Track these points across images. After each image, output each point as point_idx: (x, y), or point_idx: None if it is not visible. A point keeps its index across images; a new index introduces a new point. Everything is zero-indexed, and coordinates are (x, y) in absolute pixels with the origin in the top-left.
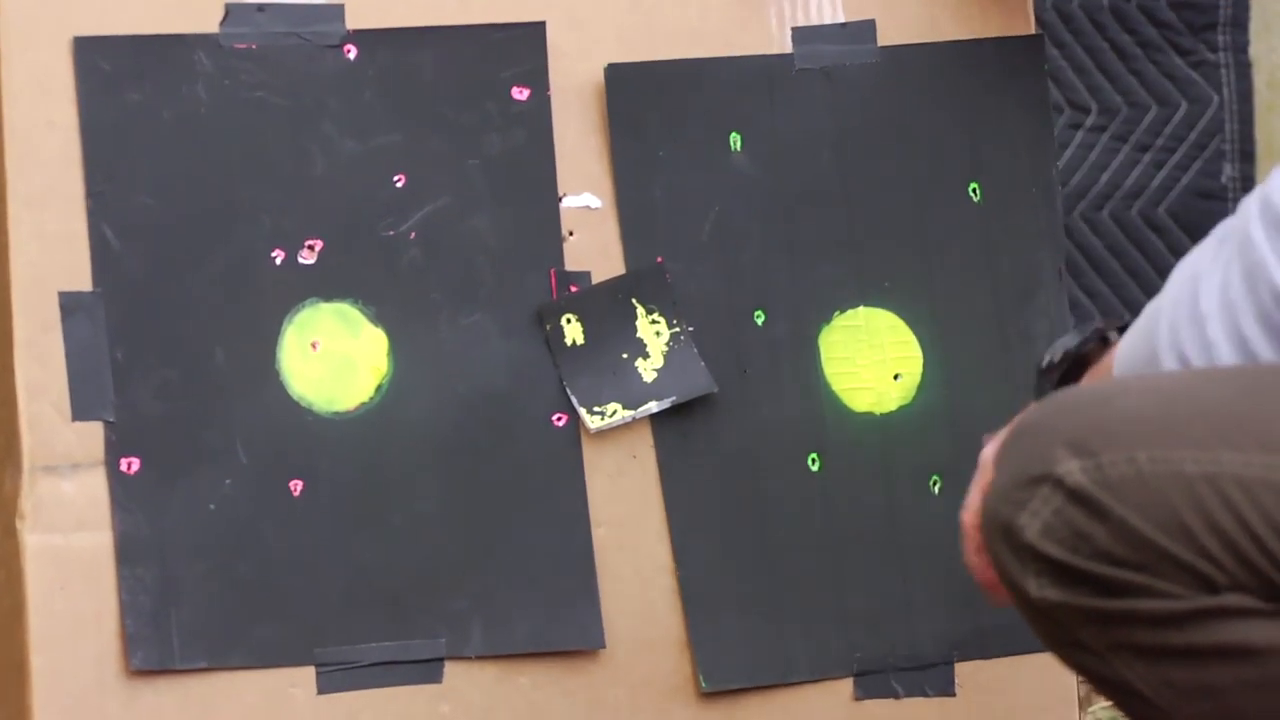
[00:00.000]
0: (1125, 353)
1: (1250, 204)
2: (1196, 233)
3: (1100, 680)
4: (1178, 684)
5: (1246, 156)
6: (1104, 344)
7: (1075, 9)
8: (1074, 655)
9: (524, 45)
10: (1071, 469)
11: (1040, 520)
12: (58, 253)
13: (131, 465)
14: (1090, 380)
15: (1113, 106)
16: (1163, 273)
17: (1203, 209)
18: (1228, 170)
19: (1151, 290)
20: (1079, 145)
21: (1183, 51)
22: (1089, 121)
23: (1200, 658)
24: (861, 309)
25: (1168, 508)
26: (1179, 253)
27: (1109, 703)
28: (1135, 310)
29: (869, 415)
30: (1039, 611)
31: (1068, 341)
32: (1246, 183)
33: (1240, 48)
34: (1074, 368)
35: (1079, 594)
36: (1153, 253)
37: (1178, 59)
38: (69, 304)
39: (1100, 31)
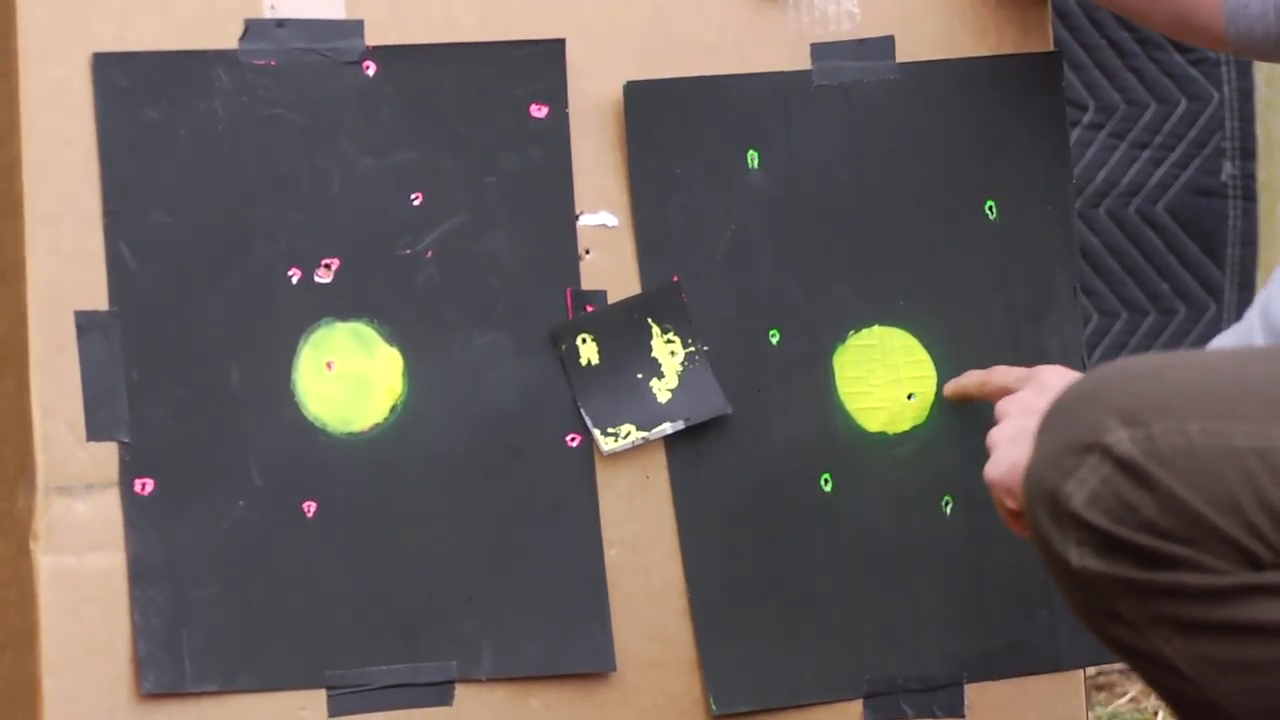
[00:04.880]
0: None
1: (1253, 316)
2: (1195, 230)
3: (1135, 654)
4: (1215, 659)
5: (1247, 154)
6: None
7: (1073, 6)
8: (1110, 628)
9: (543, 62)
10: (1121, 438)
11: (1087, 489)
12: (74, 271)
13: (145, 486)
14: None
15: (1110, 104)
16: (1161, 271)
17: (1202, 206)
18: (1228, 168)
19: (1150, 289)
20: (1076, 143)
21: (1183, 49)
22: (1086, 119)
23: (1240, 634)
24: (876, 328)
25: (1217, 481)
26: (1177, 251)
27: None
28: (1132, 309)
29: (882, 435)
30: (1078, 581)
31: None
32: (1247, 180)
33: None
34: None
35: (1121, 565)
36: (1151, 250)
37: (1178, 56)
38: (85, 323)
39: (1098, 29)
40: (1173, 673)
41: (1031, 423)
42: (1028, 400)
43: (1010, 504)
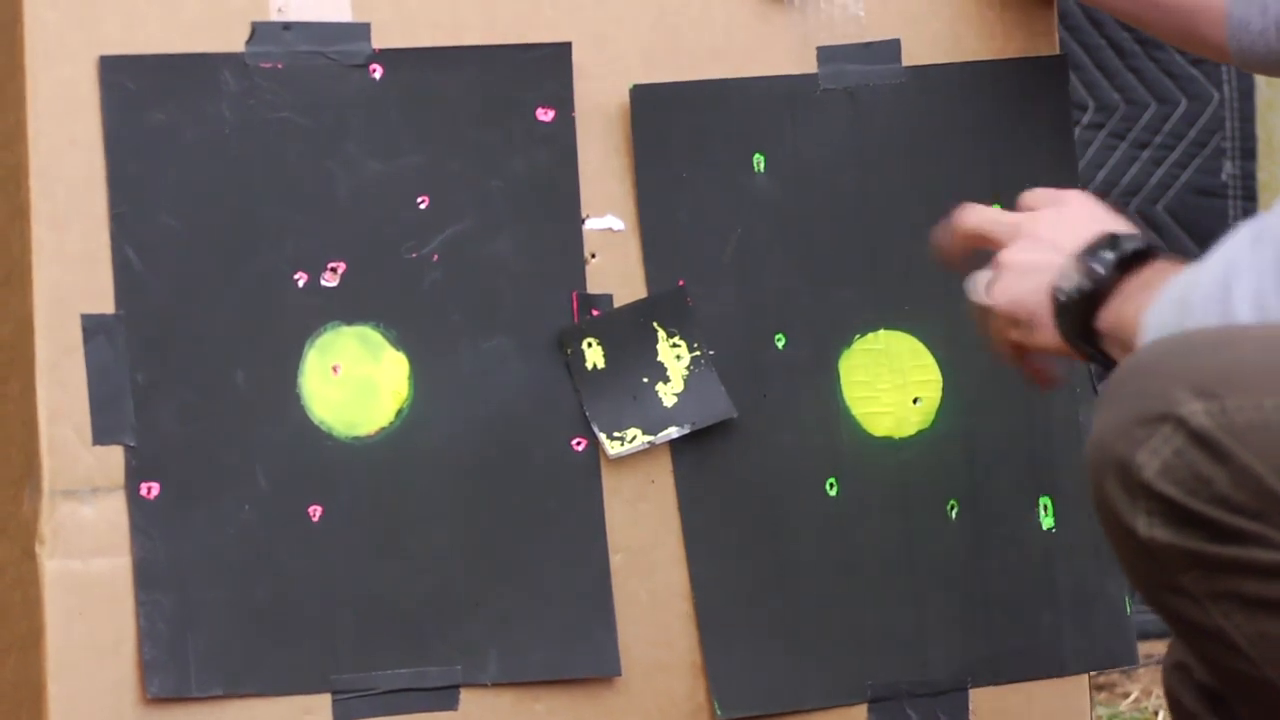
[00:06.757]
0: (1154, 326)
1: None
2: (1196, 230)
3: (1192, 628)
4: (1275, 637)
5: (1247, 154)
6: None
7: (1072, 6)
8: (1169, 599)
9: (550, 66)
10: (1196, 410)
11: (1160, 459)
12: (80, 274)
13: (151, 490)
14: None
15: (1110, 104)
16: None
17: (1202, 206)
18: (1228, 167)
19: None
20: (1075, 142)
21: None
22: (1086, 119)
23: None
24: (882, 332)
25: None
26: (1177, 251)
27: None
28: None
29: (888, 440)
30: (1144, 551)
31: (1081, 283)
32: (1247, 180)
33: None
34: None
35: (1190, 537)
36: None
37: (1178, 56)
38: (91, 326)
39: (1098, 29)
40: (1231, 649)
41: (1053, 257)
42: (1051, 230)
43: (1014, 334)
